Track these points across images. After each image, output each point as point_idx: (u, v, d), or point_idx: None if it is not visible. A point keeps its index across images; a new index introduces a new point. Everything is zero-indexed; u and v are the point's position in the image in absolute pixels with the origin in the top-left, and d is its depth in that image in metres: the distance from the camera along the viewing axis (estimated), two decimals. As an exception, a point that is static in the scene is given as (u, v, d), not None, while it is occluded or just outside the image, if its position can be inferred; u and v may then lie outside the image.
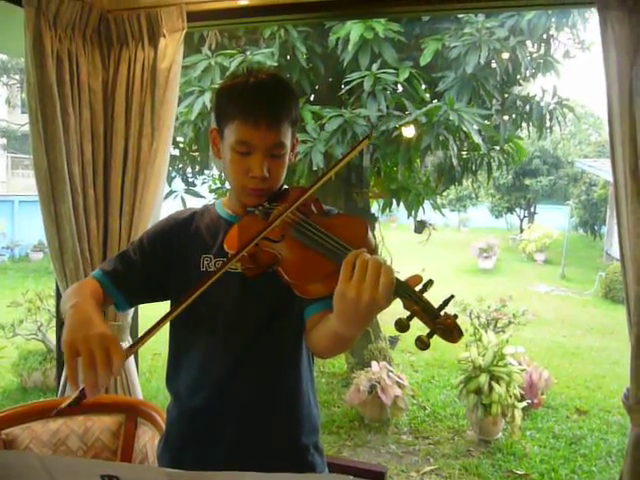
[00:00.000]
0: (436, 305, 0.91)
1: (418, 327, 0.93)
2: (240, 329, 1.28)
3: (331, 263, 1.02)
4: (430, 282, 0.93)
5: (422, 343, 0.88)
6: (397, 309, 0.96)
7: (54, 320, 5.42)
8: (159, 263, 1.34)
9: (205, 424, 1.31)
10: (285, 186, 1.36)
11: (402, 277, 0.95)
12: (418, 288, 0.92)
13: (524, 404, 4.43)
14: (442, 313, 0.89)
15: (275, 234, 1.16)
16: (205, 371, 1.31)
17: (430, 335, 0.89)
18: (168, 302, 1.36)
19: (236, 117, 1.22)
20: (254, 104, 1.21)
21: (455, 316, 0.89)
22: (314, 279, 1.08)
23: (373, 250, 1.07)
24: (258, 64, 3.96)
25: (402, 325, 0.89)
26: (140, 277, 1.34)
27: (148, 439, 1.83)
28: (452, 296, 0.92)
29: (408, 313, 0.91)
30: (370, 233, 1.11)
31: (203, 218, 1.38)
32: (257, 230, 1.15)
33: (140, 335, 1.10)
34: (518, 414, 4.24)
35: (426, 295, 0.92)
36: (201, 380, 1.31)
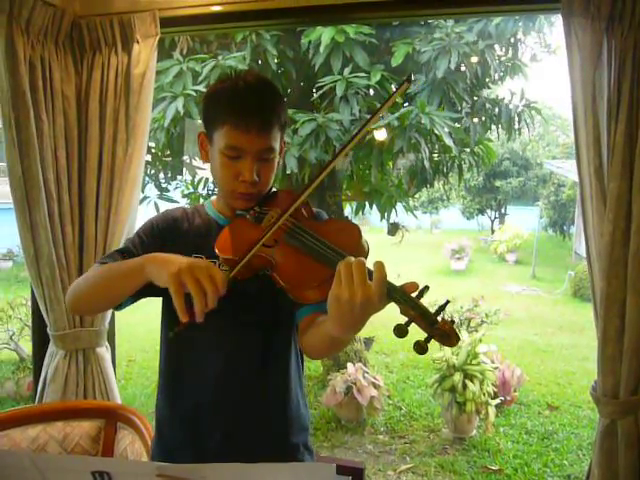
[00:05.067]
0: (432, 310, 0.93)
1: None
2: (230, 330, 1.29)
3: (326, 269, 1.03)
4: (426, 288, 0.94)
5: (420, 348, 0.90)
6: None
7: (26, 329, 5.37)
8: None
9: (196, 424, 1.32)
10: (274, 189, 1.37)
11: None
12: (414, 294, 0.94)
13: (497, 401, 4.51)
14: (439, 319, 0.92)
15: (269, 239, 1.17)
16: (196, 372, 1.32)
17: (428, 340, 0.91)
18: (146, 302, 1.36)
19: (226, 122, 1.22)
20: (244, 109, 1.21)
21: (452, 321, 0.93)
22: (310, 285, 1.09)
23: (367, 254, 1.09)
24: (230, 69, 3.97)
25: (401, 330, 0.91)
26: None
27: (128, 443, 1.83)
28: (448, 301, 0.95)
29: (407, 319, 0.93)
30: (363, 238, 1.13)
31: (194, 218, 1.39)
32: (249, 235, 1.17)
33: (238, 259, 1.14)
34: (492, 411, 4.31)
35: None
36: (192, 381, 1.33)
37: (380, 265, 0.93)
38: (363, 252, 1.10)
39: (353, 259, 0.95)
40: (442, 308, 0.93)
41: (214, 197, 1.45)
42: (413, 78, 4.50)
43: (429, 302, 0.92)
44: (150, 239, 1.35)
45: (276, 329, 1.32)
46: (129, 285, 1.21)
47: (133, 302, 1.34)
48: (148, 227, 1.40)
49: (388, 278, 0.94)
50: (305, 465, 0.92)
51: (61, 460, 0.81)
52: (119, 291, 1.26)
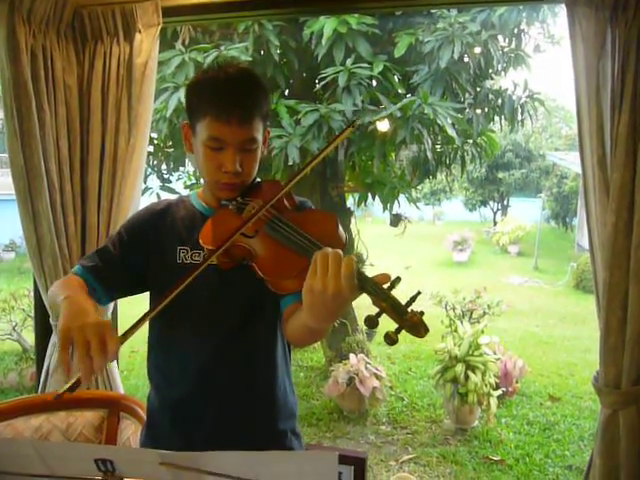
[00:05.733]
0: (404, 302, 0.94)
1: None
2: (217, 320, 1.31)
3: (303, 259, 1.04)
4: (398, 279, 0.95)
5: (390, 339, 0.91)
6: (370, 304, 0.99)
7: (29, 320, 5.39)
8: (138, 254, 1.36)
9: (186, 413, 1.34)
10: (258, 179, 1.38)
11: (378, 271, 0.98)
12: (386, 286, 0.95)
13: (499, 392, 4.51)
14: (409, 310, 0.92)
15: (249, 230, 1.18)
16: (184, 361, 1.34)
17: (398, 331, 0.92)
18: (146, 296, 1.38)
19: (207, 113, 1.23)
20: (225, 100, 1.21)
21: (421, 313, 0.93)
22: (288, 275, 1.11)
23: (344, 244, 1.11)
24: (232, 59, 3.96)
25: (371, 321, 0.92)
26: (120, 270, 1.35)
27: (131, 433, 1.84)
28: (419, 292, 0.96)
29: (377, 310, 0.94)
30: (340, 228, 1.14)
31: (179, 210, 1.40)
32: (232, 225, 1.18)
33: (131, 325, 1.10)
34: (493, 402, 4.32)
35: (401, 289, 0.95)
36: (180, 370, 1.35)
37: (349, 260, 0.94)
38: (340, 243, 1.11)
39: (330, 250, 0.96)
40: (413, 300, 0.94)
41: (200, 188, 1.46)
42: (415, 68, 4.48)
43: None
44: (131, 236, 1.38)
45: (261, 318, 1.33)
46: None
47: (110, 300, 1.37)
48: (130, 224, 1.42)
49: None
50: (308, 454, 0.92)
51: (64, 448, 0.82)
52: None
